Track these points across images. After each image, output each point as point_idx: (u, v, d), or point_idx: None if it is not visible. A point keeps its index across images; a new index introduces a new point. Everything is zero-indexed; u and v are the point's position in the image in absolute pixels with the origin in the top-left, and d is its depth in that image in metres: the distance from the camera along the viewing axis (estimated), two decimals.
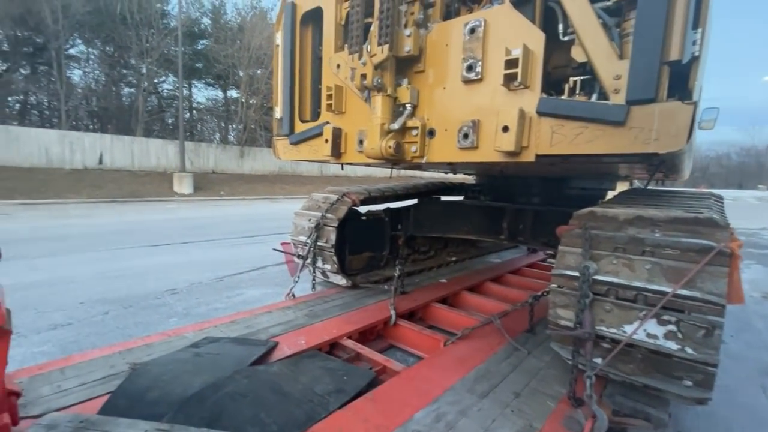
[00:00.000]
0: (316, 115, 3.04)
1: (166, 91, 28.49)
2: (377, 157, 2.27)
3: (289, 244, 3.98)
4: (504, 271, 4.98)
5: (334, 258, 3.54)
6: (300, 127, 3.06)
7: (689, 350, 1.72)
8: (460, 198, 5.08)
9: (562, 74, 2.12)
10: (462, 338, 2.74)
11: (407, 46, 2.18)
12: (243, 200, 19.09)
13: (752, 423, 2.45)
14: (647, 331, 1.82)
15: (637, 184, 6.63)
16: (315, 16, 2.98)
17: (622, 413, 2.10)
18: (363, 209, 4.30)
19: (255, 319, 2.95)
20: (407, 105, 2.25)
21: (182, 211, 13.51)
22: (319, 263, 3.70)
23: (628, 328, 1.86)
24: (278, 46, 3.13)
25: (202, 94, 35.14)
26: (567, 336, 2.02)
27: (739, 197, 33.52)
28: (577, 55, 1.80)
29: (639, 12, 1.54)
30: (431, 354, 2.59)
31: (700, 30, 1.45)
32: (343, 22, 2.72)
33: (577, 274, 1.98)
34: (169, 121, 29.28)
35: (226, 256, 6.42)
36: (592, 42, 1.70)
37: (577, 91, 1.85)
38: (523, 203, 4.20)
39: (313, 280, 3.66)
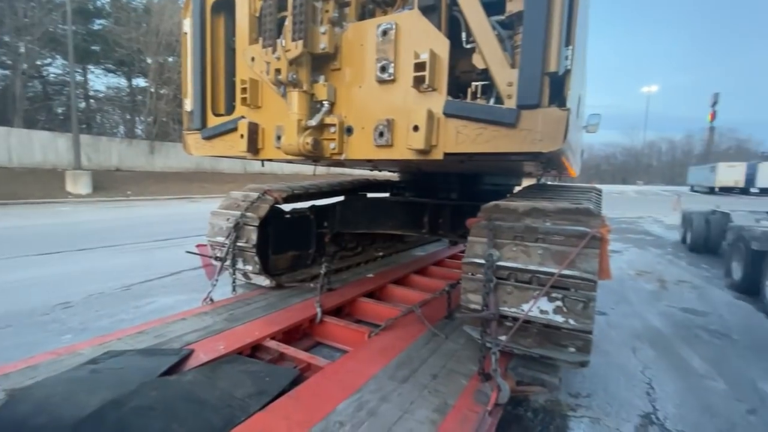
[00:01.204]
0: (230, 108, 2.90)
1: (53, 75, 24.50)
2: (295, 153, 2.25)
3: (206, 246, 3.74)
4: (428, 263, 5.25)
5: (256, 258, 3.41)
6: (213, 121, 2.89)
7: (572, 321, 2.01)
8: (386, 195, 5.23)
9: (468, 79, 2.31)
10: (386, 329, 2.85)
11: (322, 44, 2.19)
12: (154, 200, 17.31)
13: (623, 378, 2.93)
14: (540, 307, 2.08)
15: (543, 180, 7.45)
16: (227, 6, 2.83)
17: (525, 383, 2.38)
18: (287, 207, 4.21)
19: (167, 327, 2.74)
20: (324, 102, 2.27)
21: (79, 214, 11.84)
22: (240, 265, 3.54)
23: (526, 307, 2.11)
24: (186, 34, 2.92)
25: (101, 81, 30.89)
26: (476, 318, 2.22)
27: (623, 191, 39.30)
28: (477, 62, 1.98)
29: (525, 28, 1.75)
30: (356, 347, 2.65)
31: (570, 47, 1.70)
32: (257, 14, 2.63)
33: (483, 261, 2.19)
34: (59, 111, 25.27)
35: (133, 262, 5.80)
36: (489, 51, 1.89)
37: (479, 95, 2.04)
38: (442, 199, 4.47)
39: (234, 282, 3.49)
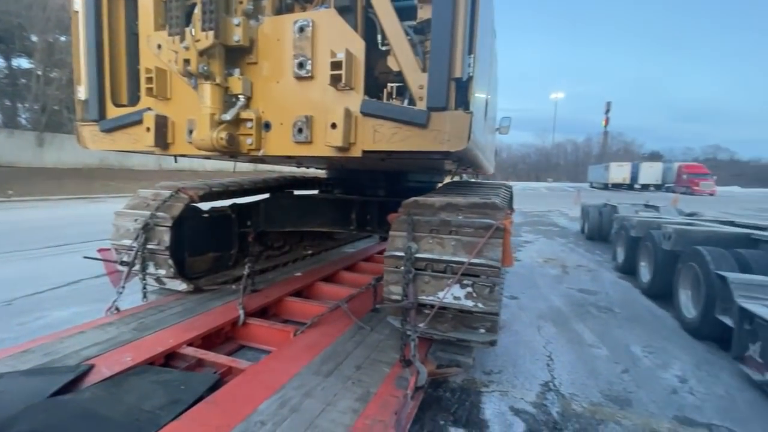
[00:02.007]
0: (135, 99, 2.65)
1: None
2: (209, 148, 2.14)
3: (109, 250, 3.37)
4: (357, 259, 5.32)
5: (170, 261, 3.17)
6: (114, 112, 2.62)
7: (480, 305, 2.21)
8: (314, 192, 5.18)
9: (385, 79, 2.40)
10: (312, 326, 2.85)
11: (236, 36, 2.11)
12: (45, 201, 14.99)
13: (529, 354, 3.29)
14: (453, 294, 2.25)
15: (465, 177, 7.95)
16: None
17: (443, 365, 2.57)
18: (206, 206, 3.96)
19: (59, 344, 2.43)
20: (240, 96, 2.19)
21: None
22: (152, 269, 3.26)
23: (441, 294, 2.27)
24: (77, 12, 2.60)
25: None
26: (397, 308, 2.33)
27: (536, 188, 43.50)
28: (392, 64, 2.07)
29: (433, 35, 1.88)
30: (280, 346, 2.61)
31: (473, 55, 1.87)
32: None
33: (402, 254, 2.31)
34: None
35: (18, 273, 5.00)
36: (402, 55, 1.99)
37: (394, 96, 2.14)
38: (370, 196, 4.56)
39: (144, 288, 3.21)
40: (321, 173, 5.74)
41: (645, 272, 5.27)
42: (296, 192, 4.84)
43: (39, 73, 20.47)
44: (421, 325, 2.30)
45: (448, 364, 2.57)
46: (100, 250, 3.43)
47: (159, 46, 2.32)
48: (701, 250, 3.79)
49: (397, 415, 1.94)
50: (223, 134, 2.09)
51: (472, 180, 6.87)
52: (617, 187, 39.74)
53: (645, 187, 39.01)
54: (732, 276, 3.21)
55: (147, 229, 3.11)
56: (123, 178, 20.94)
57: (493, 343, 2.36)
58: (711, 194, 31.75)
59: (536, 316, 4.20)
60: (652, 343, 3.58)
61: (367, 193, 4.58)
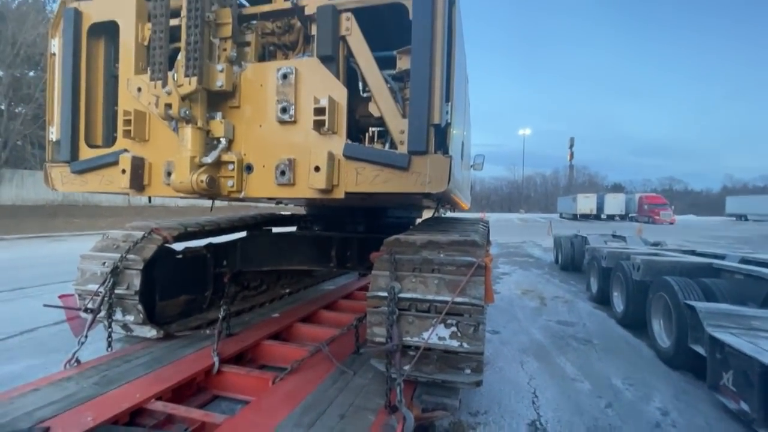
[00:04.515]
0: (110, 140, 2.61)
1: None
2: (188, 191, 2.11)
3: (72, 296, 3.16)
4: (337, 297, 5.21)
5: (139, 307, 3.00)
6: (87, 153, 2.55)
7: (465, 345, 2.19)
8: (292, 229, 5.12)
9: (367, 123, 2.48)
10: (292, 372, 2.72)
11: (219, 81, 2.14)
12: (0, 240, 14.03)
13: (514, 391, 3.25)
14: (438, 334, 2.23)
15: (442, 211, 8.09)
16: (109, 30, 2.60)
17: (429, 409, 2.49)
18: (179, 246, 3.82)
19: (9, 404, 2.20)
20: (222, 139, 2.19)
21: None
22: (119, 315, 3.06)
23: (426, 335, 2.24)
24: (54, 55, 2.58)
25: None
26: (381, 351, 2.27)
27: (509, 219, 44.76)
28: (373, 110, 2.15)
29: (412, 84, 1.98)
30: (259, 396, 2.47)
31: (450, 103, 1.98)
32: (145, 43, 2.47)
33: (386, 294, 2.28)
34: None
35: None
36: (383, 101, 2.08)
37: (376, 140, 2.21)
38: (350, 232, 4.55)
39: (109, 337, 2.99)
40: (299, 210, 5.72)
41: (618, 302, 5.41)
42: (274, 230, 4.77)
43: (2, 107, 19.82)
44: (406, 367, 2.25)
45: (434, 407, 2.50)
46: (61, 297, 3.21)
47: (139, 89, 2.32)
48: (669, 280, 3.95)
49: None
50: (204, 177, 2.07)
51: (449, 215, 7.01)
52: (585, 217, 41.53)
53: (611, 217, 40.96)
54: (700, 305, 3.35)
55: (116, 273, 2.95)
56: (88, 215, 20.03)
57: (479, 384, 2.33)
58: (671, 223, 33.65)
59: (518, 351, 4.19)
60: (632, 374, 3.62)
61: (346, 230, 4.57)
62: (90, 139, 2.62)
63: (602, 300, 6.17)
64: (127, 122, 2.31)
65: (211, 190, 2.13)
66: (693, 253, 5.66)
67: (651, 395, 3.22)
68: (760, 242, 16.55)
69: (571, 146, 59.71)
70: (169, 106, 2.02)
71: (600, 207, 42.01)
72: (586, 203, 42.41)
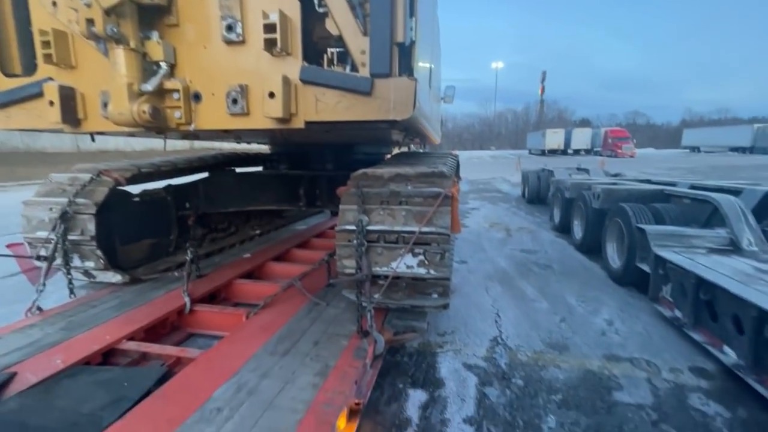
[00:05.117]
0: (31, 67, 2.27)
1: None
2: (129, 123, 1.91)
3: (21, 245, 2.98)
4: (309, 236, 5.22)
5: (98, 252, 2.88)
6: (5, 84, 2.23)
7: (432, 272, 2.27)
8: (258, 168, 4.92)
9: (325, 45, 2.26)
10: (265, 307, 2.77)
11: None
12: None
13: (479, 313, 3.49)
14: (406, 263, 2.29)
15: (413, 148, 7.97)
16: None
17: (400, 332, 2.64)
18: (136, 190, 3.61)
19: None
20: (162, 63, 1.95)
21: None
22: (77, 261, 2.94)
23: (394, 265, 2.29)
24: None
25: None
26: (351, 281, 2.33)
27: (481, 156, 45.12)
28: (330, 27, 1.95)
29: None
30: (233, 331, 2.52)
31: (414, 18, 1.81)
32: None
33: (354, 227, 2.28)
34: None
35: None
36: (341, 17, 1.88)
37: (335, 63, 2.03)
38: (317, 170, 4.43)
39: (70, 284, 2.89)
40: (264, 149, 5.46)
41: (578, 230, 5.75)
42: (238, 170, 4.57)
43: None
44: (376, 295, 2.33)
45: (404, 330, 2.65)
46: (10, 246, 3.02)
47: (54, 4, 1.98)
48: (625, 206, 4.18)
49: (357, 384, 1.97)
50: (146, 107, 1.87)
51: (420, 150, 6.93)
52: (553, 152, 42.46)
53: (576, 152, 42.10)
54: (649, 228, 3.60)
55: (66, 218, 2.77)
56: (32, 162, 18.39)
57: (445, 307, 2.46)
58: (631, 156, 35.10)
59: (484, 278, 4.44)
60: (585, 293, 3.96)
61: (314, 168, 4.44)
62: (6, 67, 2.28)
63: (564, 229, 6.53)
64: (46, 44, 2.00)
65: (157, 123, 1.94)
66: (648, 182, 5.96)
67: (599, 309, 3.55)
68: (707, 172, 17.70)
69: (543, 80, 59.03)
70: (91, 22, 1.74)
71: (567, 142, 42.88)
72: (554, 138, 43.10)
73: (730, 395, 2.32)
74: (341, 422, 1.79)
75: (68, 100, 2.07)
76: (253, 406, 1.71)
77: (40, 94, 2.09)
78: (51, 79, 2.10)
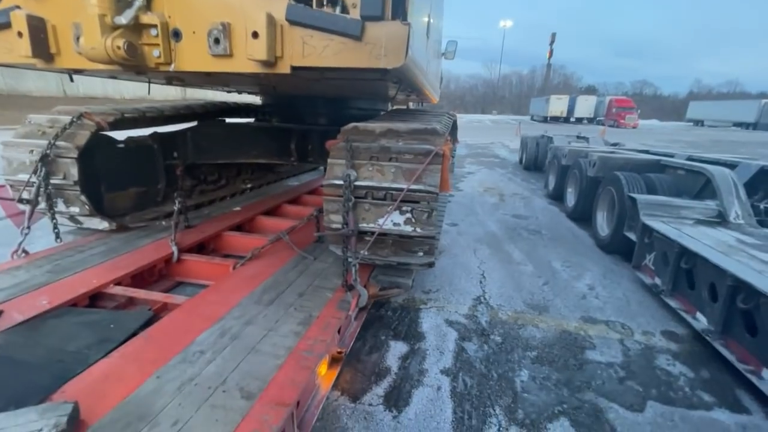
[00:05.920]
0: None
1: None
2: (103, 60, 1.80)
3: (3, 187, 2.92)
4: (301, 192, 5.17)
5: (83, 198, 2.83)
6: None
7: (419, 230, 2.27)
8: (249, 120, 4.77)
9: None
10: (253, 259, 2.79)
11: None
12: None
13: (464, 273, 3.56)
14: (393, 221, 2.28)
15: (411, 106, 7.73)
16: None
17: (385, 288, 2.69)
18: (121, 136, 3.49)
19: None
20: None
21: None
22: (62, 206, 2.90)
23: (381, 221, 2.28)
24: None
25: None
26: (337, 235, 2.33)
27: (481, 120, 44.19)
28: None
29: None
30: (219, 280, 2.55)
31: None
32: None
33: (341, 182, 2.24)
34: None
35: None
36: None
37: (325, 3, 1.89)
38: (310, 124, 4.30)
39: (55, 229, 2.87)
40: (256, 101, 5.26)
41: (570, 198, 5.75)
42: (228, 120, 4.42)
43: None
44: (362, 251, 2.34)
45: (389, 286, 2.70)
46: None
47: None
48: (619, 174, 4.15)
49: (339, 333, 2.03)
50: (120, 42, 1.75)
51: (415, 108, 6.73)
52: (555, 119, 41.63)
53: (579, 120, 41.31)
54: (641, 197, 3.60)
55: (46, 161, 2.70)
56: (16, 105, 17.70)
57: (431, 265, 2.49)
58: (634, 127, 34.54)
59: (474, 240, 4.49)
60: (570, 258, 4.02)
61: (307, 122, 4.31)
62: None
63: (557, 196, 6.53)
64: None
65: (133, 60, 1.83)
66: (647, 152, 5.90)
67: (583, 275, 3.63)
68: (709, 146, 17.53)
69: (552, 42, 56.47)
70: None
71: (571, 109, 41.90)
72: (557, 105, 42.06)
73: (696, 358, 2.43)
74: (322, 368, 1.86)
75: (38, 31, 1.93)
76: (235, 350, 1.76)
77: (8, 24, 1.94)
78: (18, 7, 1.94)
